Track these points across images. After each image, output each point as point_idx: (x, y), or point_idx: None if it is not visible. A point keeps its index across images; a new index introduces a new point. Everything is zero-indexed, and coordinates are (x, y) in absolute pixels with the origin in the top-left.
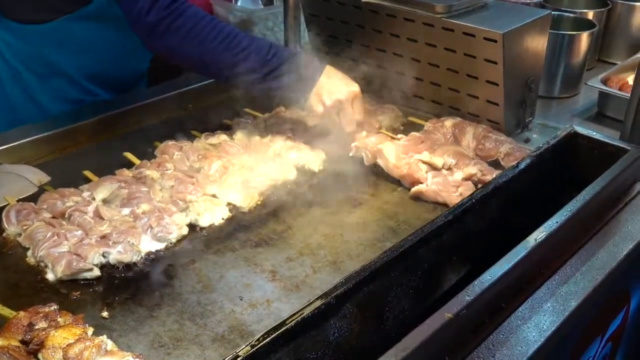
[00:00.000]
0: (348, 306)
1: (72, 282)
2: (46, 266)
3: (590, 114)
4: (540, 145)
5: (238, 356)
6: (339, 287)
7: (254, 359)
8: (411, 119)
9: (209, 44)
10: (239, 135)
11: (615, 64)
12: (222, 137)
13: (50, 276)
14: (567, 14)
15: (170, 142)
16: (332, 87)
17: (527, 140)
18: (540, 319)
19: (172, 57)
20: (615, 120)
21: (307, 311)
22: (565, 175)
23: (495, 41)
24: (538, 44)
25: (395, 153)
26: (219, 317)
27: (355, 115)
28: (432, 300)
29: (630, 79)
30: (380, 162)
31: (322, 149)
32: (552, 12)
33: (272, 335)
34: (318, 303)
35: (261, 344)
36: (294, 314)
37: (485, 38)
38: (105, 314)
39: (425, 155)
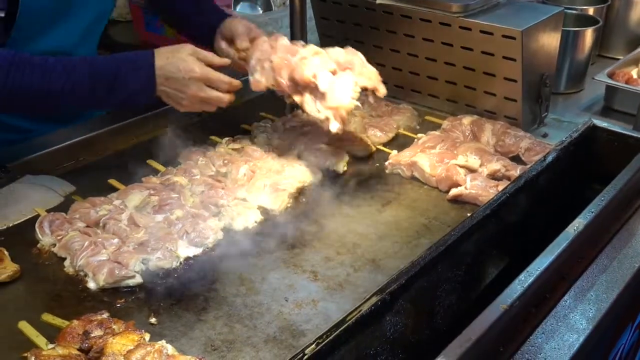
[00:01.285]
0: (401, 302)
1: (114, 290)
2: (86, 275)
3: (597, 108)
4: (563, 139)
5: (305, 354)
6: (392, 284)
7: (319, 356)
8: (428, 118)
9: (24, 94)
10: (260, 139)
11: (614, 58)
12: (245, 141)
13: (91, 285)
14: (569, 10)
15: (194, 149)
16: (178, 85)
17: (544, 135)
18: (585, 307)
19: None
20: (623, 113)
21: (364, 307)
22: (585, 168)
23: (514, 38)
24: (552, 40)
25: (430, 162)
26: (267, 319)
27: (222, 87)
28: (476, 294)
29: (635, 72)
30: (416, 174)
31: (344, 150)
32: None
33: (335, 333)
34: (374, 300)
35: (325, 341)
36: (353, 311)
37: (503, 36)
38: (153, 320)
39: (461, 159)
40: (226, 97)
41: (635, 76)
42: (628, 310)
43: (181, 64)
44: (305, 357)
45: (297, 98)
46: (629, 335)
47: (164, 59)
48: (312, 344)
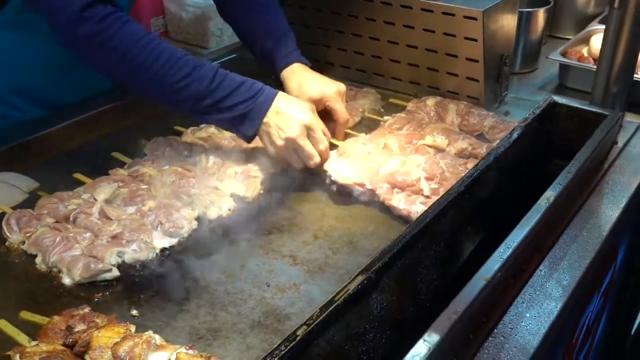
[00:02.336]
0: (386, 280)
1: (90, 285)
2: (60, 271)
3: (552, 87)
4: (527, 115)
5: (297, 336)
6: (376, 262)
7: (311, 337)
8: (392, 100)
9: (147, 70)
10: None
11: (565, 38)
12: (211, 129)
13: (66, 281)
14: None
15: (160, 139)
16: (282, 123)
17: (506, 114)
18: (560, 276)
19: (106, 77)
20: (577, 90)
21: (352, 287)
22: (547, 143)
23: (476, 19)
24: (510, 21)
25: (399, 144)
26: (250, 305)
27: (319, 145)
28: (455, 269)
29: (585, 50)
30: None
31: None
32: None
33: (325, 313)
34: (360, 279)
35: (316, 322)
36: (341, 291)
37: (465, 16)
38: (134, 312)
39: (429, 140)
40: (317, 158)
41: (586, 54)
42: (596, 278)
43: (298, 105)
44: (297, 338)
45: (387, 196)
46: (596, 302)
47: (285, 96)
48: (302, 325)
